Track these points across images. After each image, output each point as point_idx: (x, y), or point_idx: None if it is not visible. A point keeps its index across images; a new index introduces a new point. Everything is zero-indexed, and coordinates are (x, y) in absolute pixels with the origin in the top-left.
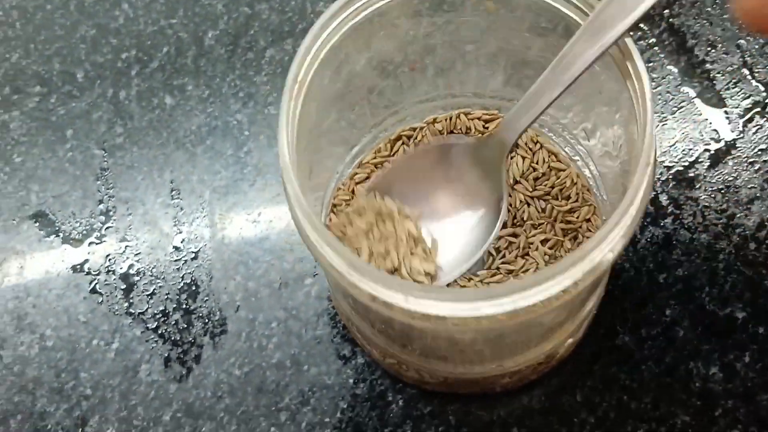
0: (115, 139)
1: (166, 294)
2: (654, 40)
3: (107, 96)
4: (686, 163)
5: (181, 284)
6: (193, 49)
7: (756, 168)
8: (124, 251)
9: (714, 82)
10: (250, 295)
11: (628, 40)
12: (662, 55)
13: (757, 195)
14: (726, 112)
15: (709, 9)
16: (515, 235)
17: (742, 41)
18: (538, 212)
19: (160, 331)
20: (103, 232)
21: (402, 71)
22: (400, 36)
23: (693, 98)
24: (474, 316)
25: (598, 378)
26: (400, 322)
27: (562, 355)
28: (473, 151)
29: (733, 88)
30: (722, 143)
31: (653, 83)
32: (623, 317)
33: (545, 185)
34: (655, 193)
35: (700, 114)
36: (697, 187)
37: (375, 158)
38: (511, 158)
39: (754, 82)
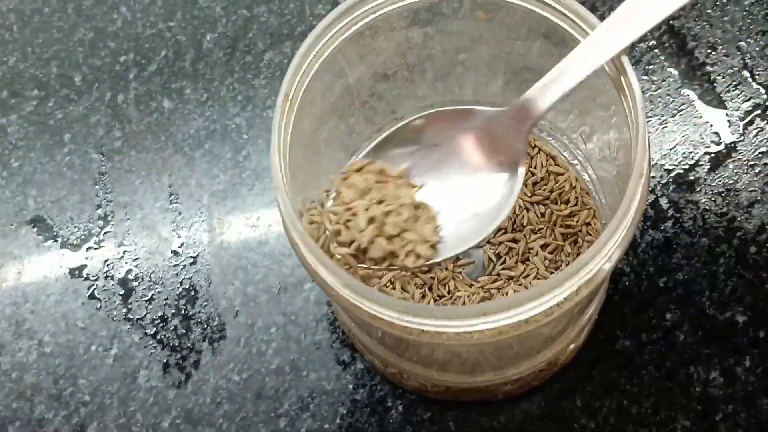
0: (113, 143)
1: (165, 299)
2: (654, 42)
3: (105, 100)
4: (686, 166)
5: (180, 289)
6: (192, 52)
7: (756, 171)
8: (122, 256)
9: (714, 84)
10: (249, 300)
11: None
12: (662, 58)
13: (758, 198)
14: (726, 115)
15: (709, 11)
16: (515, 241)
17: (742, 43)
18: (538, 217)
19: (158, 337)
20: (101, 237)
21: (399, 78)
22: (393, 48)
23: (693, 101)
24: (470, 331)
25: (599, 383)
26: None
27: (564, 361)
28: (492, 122)
29: (733, 90)
30: (722, 146)
31: (653, 86)
32: (623, 322)
33: (544, 190)
34: (655, 196)
35: (701, 117)
36: (698, 190)
37: None
38: None
39: (754, 85)
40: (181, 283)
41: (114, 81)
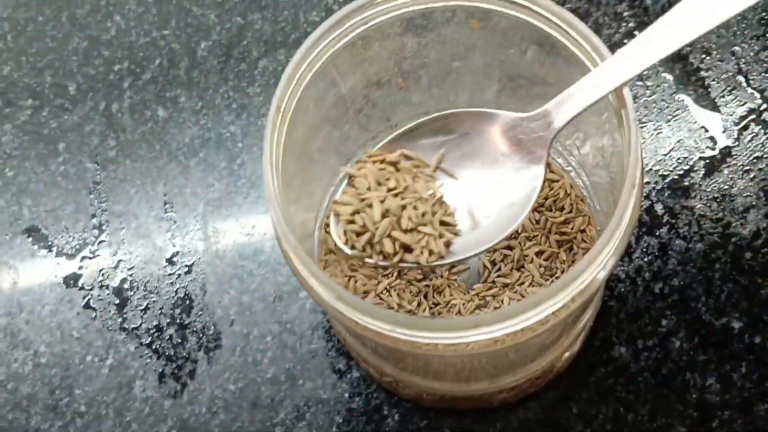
0: (108, 152)
1: (160, 309)
2: None
3: (99, 109)
4: (681, 172)
5: (175, 299)
6: (186, 60)
7: (752, 176)
8: (117, 265)
9: (709, 89)
10: (245, 309)
11: None
12: (656, 63)
13: (753, 203)
14: (721, 120)
15: None
16: (510, 248)
17: (736, 48)
18: (533, 224)
19: (154, 347)
20: (96, 246)
21: (393, 86)
22: (387, 56)
23: (688, 106)
24: (463, 342)
25: (594, 390)
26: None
27: (559, 368)
28: (515, 126)
29: (728, 95)
30: (717, 151)
31: (648, 91)
32: (619, 328)
33: (539, 197)
34: (650, 202)
35: (695, 122)
36: (693, 195)
37: None
38: None
39: (749, 89)
40: (176, 292)
41: (108, 90)
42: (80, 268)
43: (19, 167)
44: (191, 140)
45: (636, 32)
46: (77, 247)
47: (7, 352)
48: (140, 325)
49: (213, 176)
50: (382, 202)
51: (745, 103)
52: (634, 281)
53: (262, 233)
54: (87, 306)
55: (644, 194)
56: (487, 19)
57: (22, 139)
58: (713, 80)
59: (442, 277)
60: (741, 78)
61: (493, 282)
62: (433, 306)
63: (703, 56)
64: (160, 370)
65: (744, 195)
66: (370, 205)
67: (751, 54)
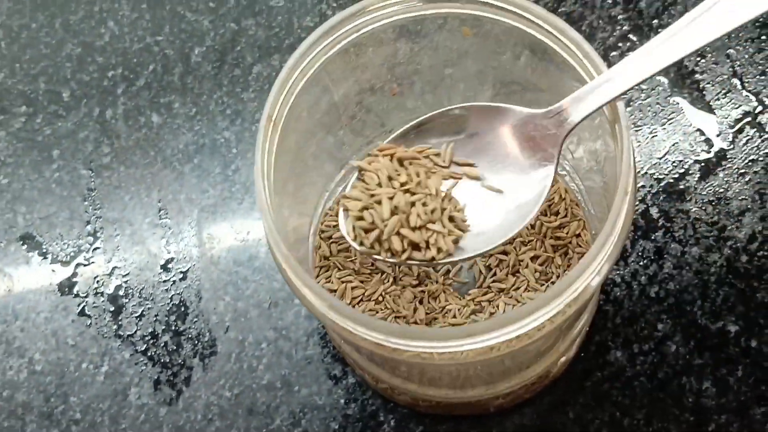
0: (102, 158)
1: (155, 315)
2: None
3: (93, 115)
4: (677, 175)
5: (170, 305)
6: (180, 66)
7: (747, 179)
8: (112, 272)
9: (704, 92)
10: (240, 316)
11: None
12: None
13: (748, 207)
14: (716, 123)
15: None
16: (505, 253)
17: (731, 50)
18: (528, 229)
19: (149, 354)
20: (90, 253)
21: (387, 91)
22: (379, 63)
23: (683, 109)
24: (458, 351)
25: (590, 395)
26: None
27: (555, 373)
28: (527, 123)
29: (723, 98)
30: (713, 154)
31: (642, 94)
32: (615, 333)
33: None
34: (645, 206)
35: (690, 125)
36: (688, 199)
37: None
38: None
39: (744, 92)
40: (171, 298)
41: (102, 96)
42: (75, 275)
43: (13, 174)
44: (186, 146)
45: (631, 35)
46: (72, 254)
47: (2, 359)
48: (135, 332)
49: (207, 182)
50: (391, 198)
51: (740, 105)
52: (630, 285)
53: (257, 239)
54: (82, 313)
55: (639, 198)
56: (479, 25)
57: (16, 146)
58: (708, 83)
59: (437, 282)
60: (736, 81)
61: (489, 287)
62: (428, 312)
63: (698, 59)
64: (156, 377)
65: (739, 198)
66: (379, 202)
67: (746, 56)
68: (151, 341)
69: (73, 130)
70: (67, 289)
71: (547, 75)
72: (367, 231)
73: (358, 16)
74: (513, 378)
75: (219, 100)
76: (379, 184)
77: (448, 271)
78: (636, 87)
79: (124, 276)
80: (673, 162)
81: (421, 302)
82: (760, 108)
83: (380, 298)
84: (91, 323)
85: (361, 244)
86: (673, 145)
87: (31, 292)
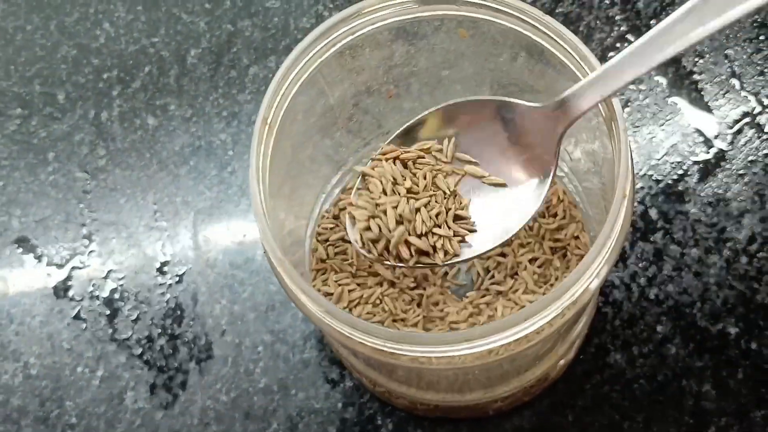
0: (98, 161)
1: (151, 319)
2: None
3: (89, 117)
4: (675, 177)
5: (166, 309)
6: (176, 68)
7: (746, 180)
8: (107, 275)
9: (702, 92)
10: (236, 319)
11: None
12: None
13: (748, 208)
14: (715, 123)
15: None
16: (503, 255)
17: (729, 51)
18: (526, 231)
19: (145, 358)
20: (86, 256)
21: (384, 93)
22: (375, 66)
23: (681, 109)
24: (455, 355)
25: (590, 397)
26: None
27: (554, 376)
28: (526, 117)
29: (721, 98)
30: (712, 155)
31: (641, 95)
32: (614, 335)
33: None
34: (644, 207)
35: (689, 125)
36: (687, 200)
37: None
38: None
39: (743, 93)
40: (167, 302)
41: (98, 98)
42: (70, 278)
43: (8, 177)
44: (181, 148)
45: (628, 36)
46: (67, 257)
47: None
48: (131, 335)
49: (203, 184)
50: (395, 207)
51: (739, 106)
52: (629, 287)
53: (253, 241)
54: (77, 317)
55: (638, 199)
56: (475, 27)
57: (11, 148)
58: (707, 83)
59: (435, 285)
60: (735, 81)
61: (487, 289)
62: (426, 314)
63: (696, 59)
64: (152, 381)
65: (739, 199)
66: (384, 212)
67: (744, 57)
68: (147, 345)
69: (68, 133)
70: (62, 293)
71: (544, 77)
72: (374, 241)
73: (354, 18)
74: (511, 381)
75: (215, 101)
76: (384, 191)
77: (446, 274)
78: (636, 80)
79: (119, 279)
80: (672, 163)
81: (419, 305)
82: (759, 108)
83: (377, 301)
84: (86, 327)
85: (369, 251)
86: (672, 146)
87: (26, 296)
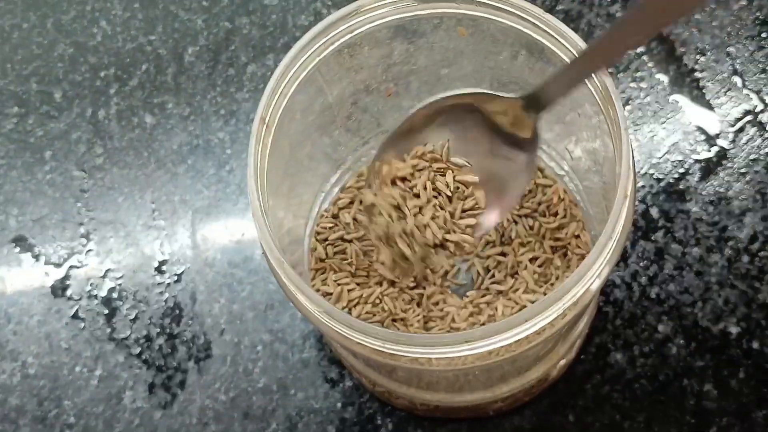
0: (95, 159)
1: (149, 318)
2: (642, 48)
3: (86, 116)
4: (677, 175)
5: (165, 308)
6: (173, 66)
7: (748, 179)
8: (105, 275)
9: (704, 90)
10: (235, 318)
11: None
12: (651, 64)
13: (750, 206)
14: (717, 122)
15: (698, 16)
16: (504, 254)
17: (731, 49)
18: (526, 230)
19: (143, 357)
20: (83, 255)
21: (383, 92)
22: (374, 64)
23: (683, 108)
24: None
25: (590, 397)
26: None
27: (555, 376)
28: (501, 109)
29: (723, 96)
30: (713, 153)
31: (642, 93)
32: (615, 334)
33: (532, 202)
34: (645, 206)
35: (690, 123)
36: (688, 199)
37: (358, 182)
38: None
39: (744, 91)
40: (166, 301)
41: (95, 96)
42: (68, 277)
43: (6, 176)
44: (179, 147)
45: None
46: (65, 256)
47: None
48: (129, 335)
49: (202, 183)
50: (405, 234)
51: (741, 104)
52: (630, 286)
53: (252, 240)
54: (75, 316)
55: (639, 198)
56: (474, 25)
57: (8, 147)
58: (708, 81)
59: (435, 284)
60: (736, 79)
61: (487, 289)
62: (426, 314)
63: (698, 57)
64: (150, 381)
65: (740, 198)
66: (396, 242)
67: (746, 54)
68: (146, 344)
69: (65, 131)
70: (60, 292)
71: (544, 75)
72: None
73: (353, 16)
74: (512, 382)
75: (213, 100)
76: (392, 219)
77: (446, 273)
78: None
79: (117, 278)
80: (673, 162)
81: (419, 305)
82: (761, 106)
83: (377, 301)
84: (84, 326)
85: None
86: (673, 144)
87: (24, 295)
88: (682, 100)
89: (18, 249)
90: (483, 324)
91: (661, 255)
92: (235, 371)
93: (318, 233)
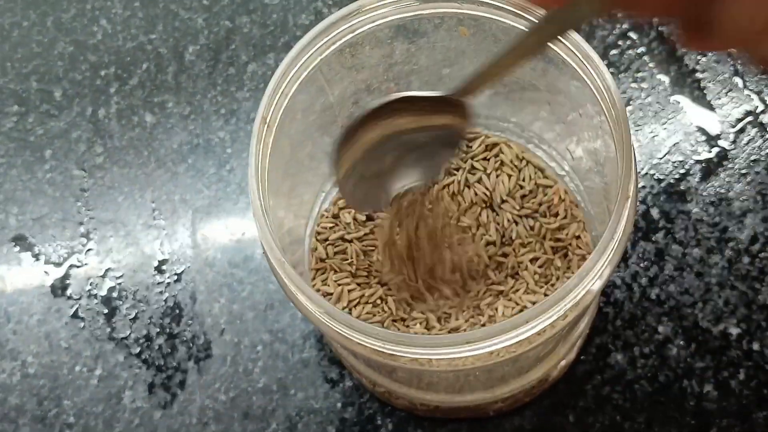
0: (95, 159)
1: (149, 318)
2: (644, 49)
3: (86, 115)
4: (677, 176)
5: (164, 308)
6: (174, 65)
7: (749, 180)
8: (105, 274)
9: (705, 91)
10: (235, 318)
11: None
12: (652, 65)
13: (750, 207)
14: (718, 122)
15: None
16: (504, 255)
17: (732, 49)
18: (527, 230)
19: (143, 357)
20: (84, 254)
21: (384, 91)
22: (375, 64)
23: (684, 108)
24: (456, 357)
25: (591, 398)
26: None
27: (555, 377)
28: (430, 108)
29: (724, 97)
30: (714, 154)
31: (643, 93)
32: (615, 335)
33: (533, 203)
34: (645, 207)
35: (691, 124)
36: (689, 200)
37: None
38: (497, 176)
39: (746, 91)
40: (166, 301)
41: (95, 95)
42: (68, 276)
43: (5, 175)
44: (179, 146)
45: (630, 33)
46: (65, 255)
47: None
48: (129, 334)
49: (202, 182)
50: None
51: (742, 105)
52: (630, 287)
53: (252, 240)
54: (75, 315)
55: (640, 199)
56: (476, 25)
57: (8, 146)
58: (709, 82)
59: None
60: (737, 79)
61: (488, 289)
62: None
63: (699, 58)
64: (150, 381)
65: (741, 199)
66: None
67: (747, 55)
68: (146, 344)
69: (65, 130)
70: (60, 291)
71: (546, 75)
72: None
73: (355, 15)
74: (512, 382)
75: (213, 99)
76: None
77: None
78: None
79: (117, 278)
80: (674, 162)
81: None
82: (762, 107)
83: (378, 301)
84: (84, 325)
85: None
86: (674, 145)
87: (24, 294)
88: (683, 100)
89: (18, 248)
90: (483, 325)
91: (661, 256)
92: (235, 371)
93: (318, 233)
